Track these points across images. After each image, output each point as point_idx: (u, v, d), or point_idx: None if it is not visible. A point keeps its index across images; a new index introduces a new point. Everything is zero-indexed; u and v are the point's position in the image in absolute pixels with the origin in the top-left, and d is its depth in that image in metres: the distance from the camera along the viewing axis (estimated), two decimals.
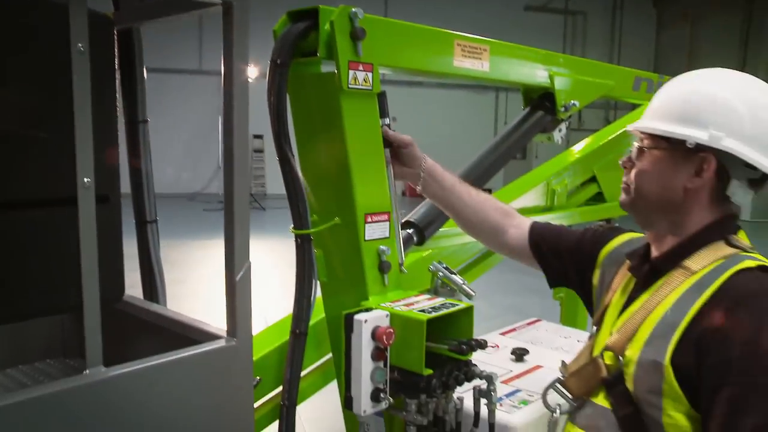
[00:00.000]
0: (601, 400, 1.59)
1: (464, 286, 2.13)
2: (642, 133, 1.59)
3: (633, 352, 1.50)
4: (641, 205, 1.60)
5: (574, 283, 1.99)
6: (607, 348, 1.58)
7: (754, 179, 1.47)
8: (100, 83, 1.35)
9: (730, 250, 1.47)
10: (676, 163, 1.50)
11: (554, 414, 1.72)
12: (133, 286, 2.00)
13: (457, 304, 1.86)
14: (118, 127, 1.48)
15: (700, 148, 1.45)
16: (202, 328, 1.66)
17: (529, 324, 3.05)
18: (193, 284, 8.23)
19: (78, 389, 1.29)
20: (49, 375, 1.93)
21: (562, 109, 2.70)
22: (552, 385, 1.74)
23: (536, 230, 2.06)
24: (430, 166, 2.06)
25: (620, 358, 1.53)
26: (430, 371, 1.76)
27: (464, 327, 1.88)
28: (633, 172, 1.60)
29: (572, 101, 2.72)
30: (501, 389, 2.25)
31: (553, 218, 3.07)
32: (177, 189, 18.01)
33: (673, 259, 1.54)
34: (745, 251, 1.48)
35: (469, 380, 1.90)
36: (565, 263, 1.98)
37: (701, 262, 1.48)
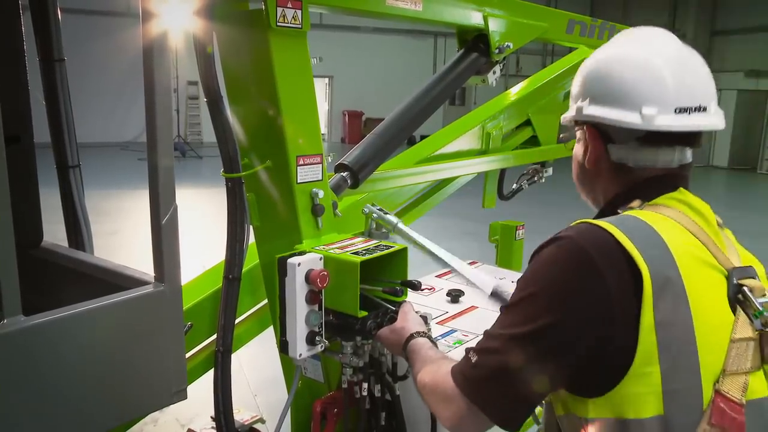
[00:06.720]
0: None
1: (399, 225, 2.12)
2: None
3: None
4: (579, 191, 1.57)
5: None
6: None
7: (640, 136, 1.36)
8: (2, 20, 1.27)
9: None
10: (583, 144, 1.47)
11: None
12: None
13: (391, 246, 1.86)
14: (26, 66, 1.39)
15: (580, 122, 1.45)
16: (128, 274, 1.62)
17: None
18: (127, 235, 8.05)
19: None
20: None
21: (496, 51, 2.68)
22: None
23: None
24: None
25: None
26: (364, 313, 1.77)
27: (399, 269, 1.88)
28: None
29: (506, 43, 2.70)
30: (437, 330, 2.28)
31: (488, 161, 3.08)
32: (109, 138, 17.46)
33: None
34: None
35: None
36: None
37: None
